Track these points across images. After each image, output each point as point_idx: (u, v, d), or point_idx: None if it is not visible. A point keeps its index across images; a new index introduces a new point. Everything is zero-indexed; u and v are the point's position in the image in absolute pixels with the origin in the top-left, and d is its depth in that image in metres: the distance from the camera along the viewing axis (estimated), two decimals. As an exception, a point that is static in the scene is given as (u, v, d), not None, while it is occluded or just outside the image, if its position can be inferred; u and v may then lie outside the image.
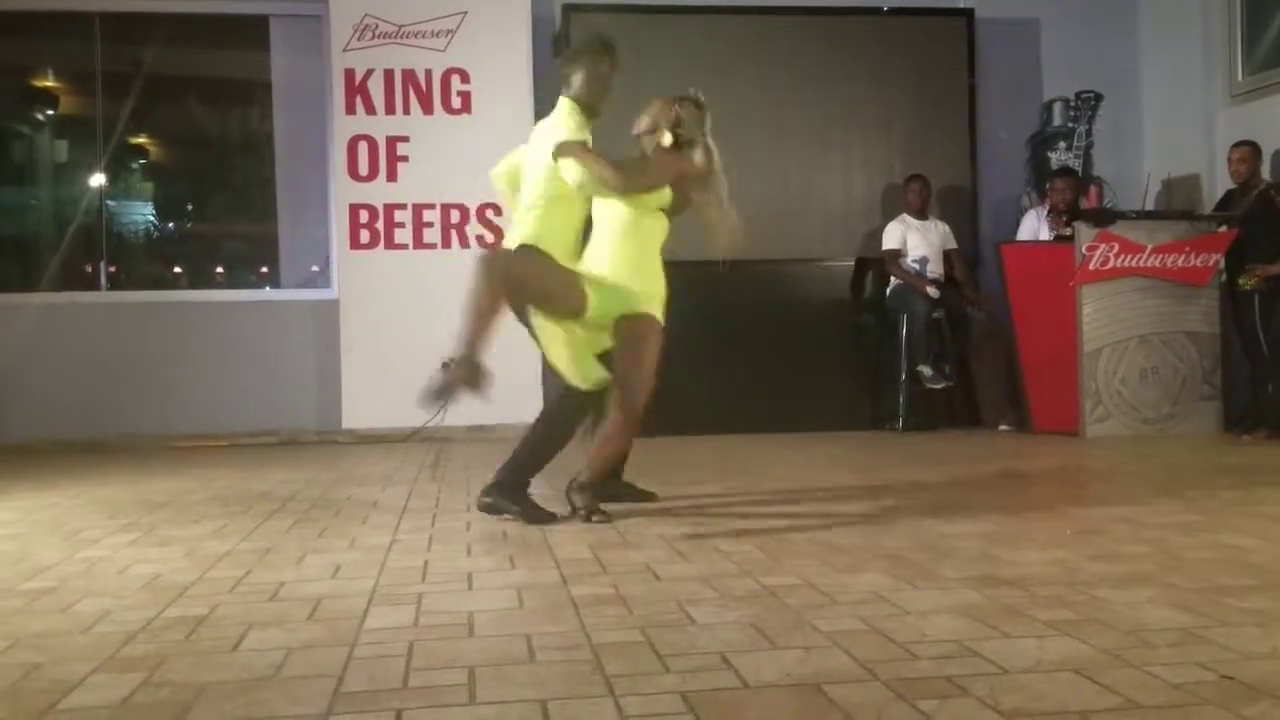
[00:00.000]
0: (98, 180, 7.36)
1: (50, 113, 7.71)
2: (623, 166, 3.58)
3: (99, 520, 3.83)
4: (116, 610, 2.47)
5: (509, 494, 3.66)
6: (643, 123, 3.82)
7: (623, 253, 3.64)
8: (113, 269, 7.34)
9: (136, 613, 2.44)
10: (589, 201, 3.73)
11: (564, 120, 3.67)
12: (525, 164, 3.84)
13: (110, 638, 2.23)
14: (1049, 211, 6.87)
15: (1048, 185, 6.94)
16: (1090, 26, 7.70)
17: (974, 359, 7.06)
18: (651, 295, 3.64)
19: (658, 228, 3.69)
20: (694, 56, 6.91)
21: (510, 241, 3.77)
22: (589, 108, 3.75)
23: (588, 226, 3.79)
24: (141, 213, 8.00)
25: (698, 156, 3.69)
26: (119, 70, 7.41)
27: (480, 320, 3.54)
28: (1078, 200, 6.73)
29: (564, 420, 3.79)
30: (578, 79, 3.76)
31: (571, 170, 3.55)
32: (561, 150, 3.55)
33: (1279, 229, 5.96)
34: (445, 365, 3.51)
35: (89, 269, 7.32)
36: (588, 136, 3.65)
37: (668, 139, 3.73)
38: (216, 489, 4.67)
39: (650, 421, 3.83)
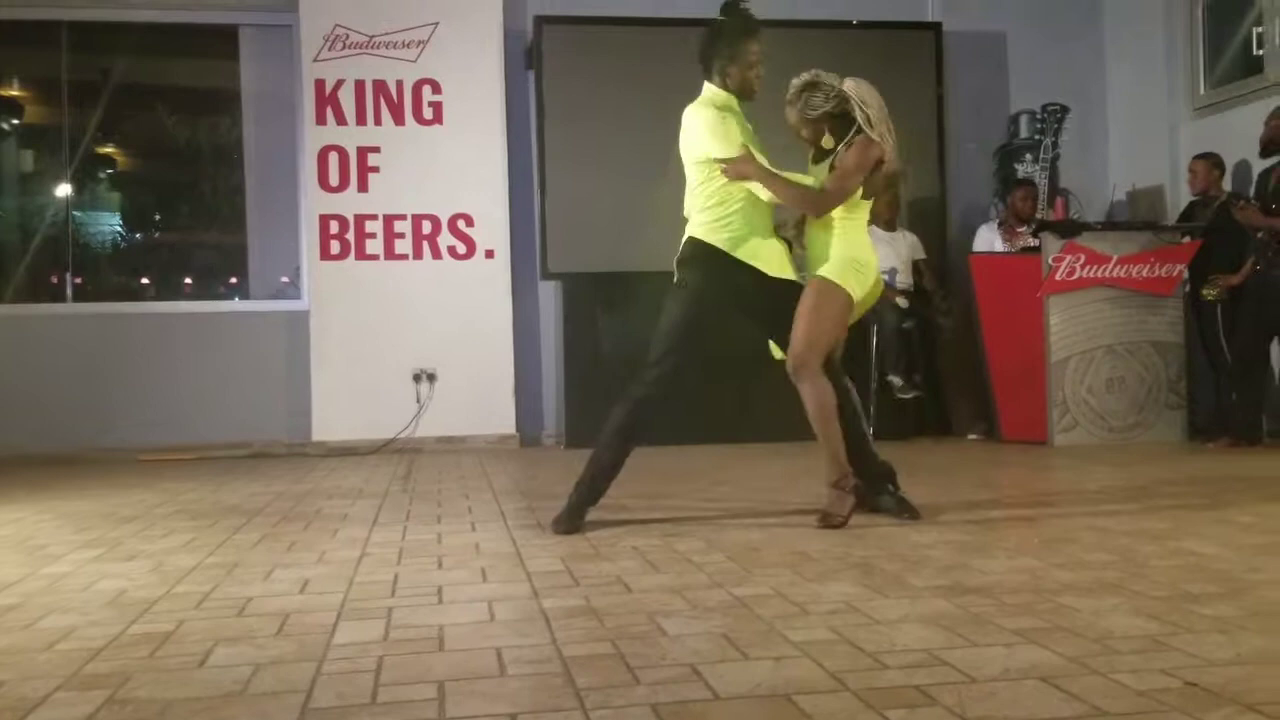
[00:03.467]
0: (64, 190, 7.30)
1: (15, 122, 7.65)
2: (801, 194, 3.59)
3: (64, 535, 3.79)
4: (80, 627, 2.45)
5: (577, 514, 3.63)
6: (790, 118, 3.71)
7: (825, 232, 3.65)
8: (78, 280, 7.27)
9: (101, 629, 2.42)
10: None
11: (715, 127, 3.53)
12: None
13: (74, 655, 2.21)
14: (1000, 223, 6.96)
15: (1009, 196, 7.02)
16: (1056, 40, 7.80)
17: (944, 368, 7.11)
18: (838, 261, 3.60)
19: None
20: (667, 69, 6.91)
21: (714, 240, 3.61)
22: (740, 94, 3.64)
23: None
24: (109, 223, 7.93)
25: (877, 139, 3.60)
26: (87, 79, 7.36)
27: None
28: (1036, 210, 6.80)
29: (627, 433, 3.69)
30: (720, 68, 3.63)
31: (759, 190, 3.53)
32: (738, 172, 3.51)
33: (1240, 240, 6.04)
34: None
35: (54, 280, 7.24)
36: (743, 136, 3.56)
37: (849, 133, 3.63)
38: (184, 502, 4.63)
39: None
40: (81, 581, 2.97)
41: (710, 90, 3.67)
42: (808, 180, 3.68)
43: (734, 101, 3.66)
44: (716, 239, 3.61)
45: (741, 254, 3.60)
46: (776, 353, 3.75)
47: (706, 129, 3.57)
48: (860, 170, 3.58)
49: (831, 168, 3.63)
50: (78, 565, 3.21)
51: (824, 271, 3.60)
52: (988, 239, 7.03)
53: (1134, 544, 3.18)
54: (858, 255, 3.63)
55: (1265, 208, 5.83)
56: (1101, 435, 6.28)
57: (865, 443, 3.77)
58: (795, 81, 3.71)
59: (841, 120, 3.67)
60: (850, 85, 3.66)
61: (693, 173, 3.67)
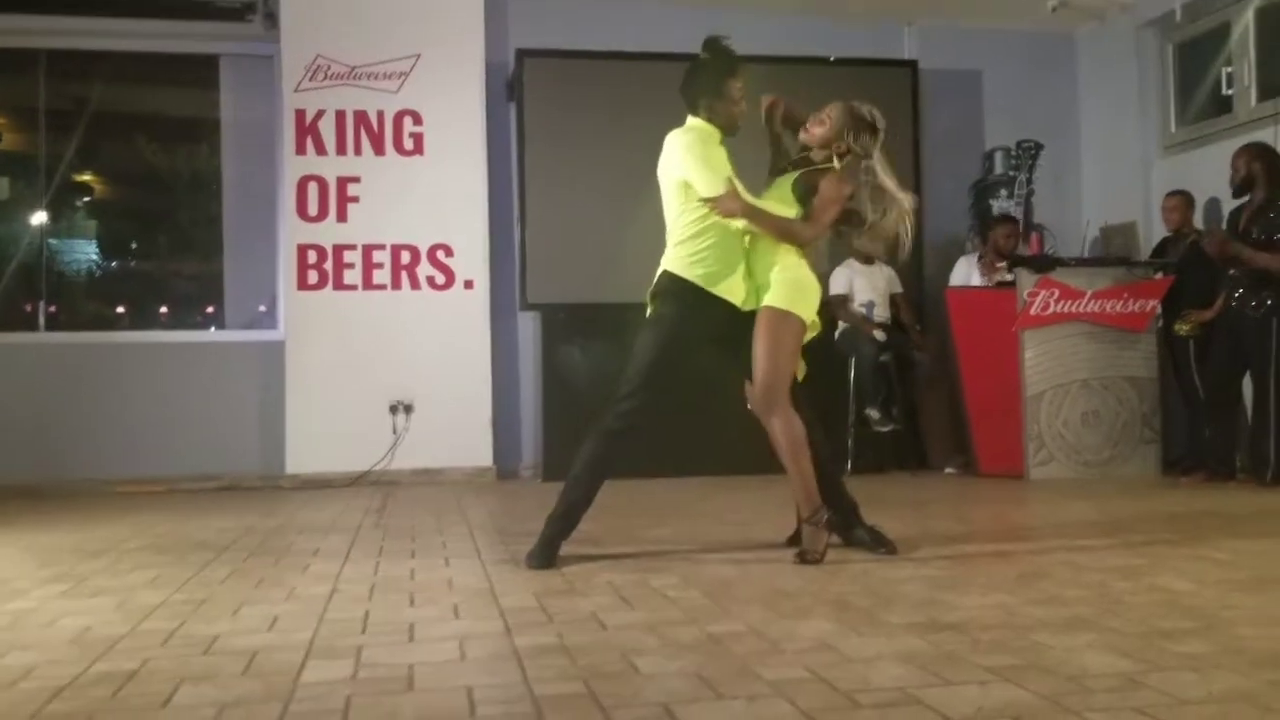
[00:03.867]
0: (39, 218, 7.25)
1: (-9, 149, 7.60)
2: (784, 225, 3.60)
3: (29, 570, 3.73)
4: (41, 665, 2.40)
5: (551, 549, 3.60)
6: (816, 132, 3.73)
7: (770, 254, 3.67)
8: (52, 309, 7.21)
9: (63, 668, 2.37)
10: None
11: (700, 156, 3.56)
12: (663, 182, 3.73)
13: (34, 694, 2.16)
14: (980, 257, 7.01)
15: (990, 231, 7.06)
16: (1030, 79, 7.90)
17: (921, 402, 7.13)
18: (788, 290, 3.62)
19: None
20: (647, 103, 6.95)
21: (689, 275, 3.62)
22: (724, 129, 3.66)
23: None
24: (84, 251, 7.87)
25: (864, 195, 3.68)
26: (64, 107, 7.33)
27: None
28: (1017, 246, 6.86)
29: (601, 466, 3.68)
30: (706, 104, 3.66)
31: (738, 221, 3.55)
32: (723, 207, 3.51)
33: (1212, 276, 6.10)
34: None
35: (28, 308, 7.18)
36: (728, 169, 3.58)
37: (838, 163, 3.69)
38: (154, 536, 4.57)
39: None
40: (44, 618, 2.92)
41: (695, 122, 3.69)
42: (790, 212, 3.69)
43: (718, 135, 3.68)
44: (691, 274, 3.61)
45: (717, 289, 3.61)
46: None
47: (693, 159, 3.58)
48: (836, 204, 3.62)
49: (799, 188, 3.66)
50: (42, 601, 3.16)
51: (772, 301, 3.61)
52: (965, 273, 7.08)
53: (1108, 580, 3.18)
54: (799, 276, 3.65)
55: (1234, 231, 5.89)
56: (1077, 469, 6.31)
57: (835, 476, 3.78)
58: (862, 109, 3.74)
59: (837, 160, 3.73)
60: (880, 164, 3.72)
61: (671, 199, 3.68)
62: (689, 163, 3.58)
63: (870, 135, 3.73)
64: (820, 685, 2.12)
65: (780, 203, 3.69)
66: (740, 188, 3.57)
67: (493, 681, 2.21)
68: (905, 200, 3.70)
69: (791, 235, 3.64)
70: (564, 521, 3.64)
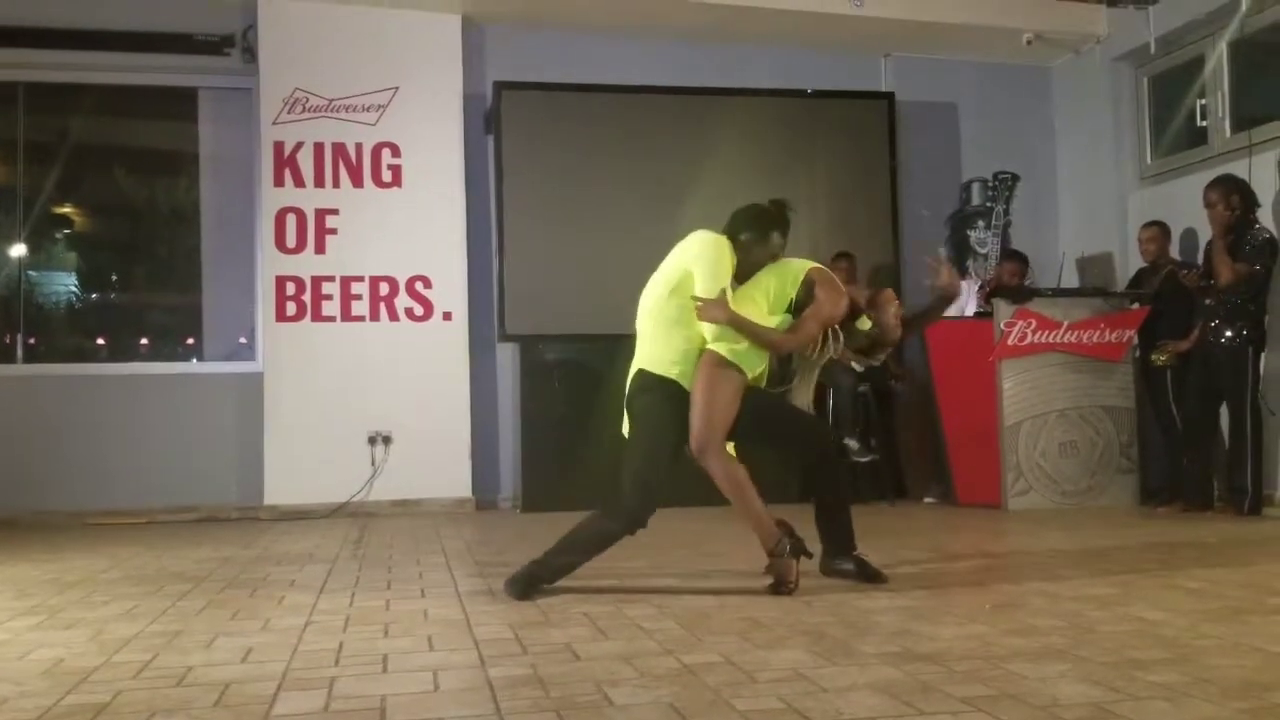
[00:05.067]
0: (18, 250, 7.22)
1: (-32, 183, 7.57)
2: (769, 335, 3.64)
3: (4, 602, 3.70)
4: (13, 698, 2.38)
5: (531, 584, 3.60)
6: (861, 299, 3.85)
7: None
8: (31, 341, 7.17)
9: (34, 700, 2.35)
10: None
11: (714, 260, 3.60)
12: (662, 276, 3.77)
13: (3, 728, 2.15)
14: (981, 286, 7.05)
15: (998, 267, 7.08)
16: (1006, 111, 8.01)
17: (899, 432, 7.15)
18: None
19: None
20: (625, 135, 7.03)
21: (668, 375, 3.66)
22: (741, 267, 3.70)
23: None
24: (63, 283, 7.84)
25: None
26: (43, 140, 7.32)
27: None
28: (1024, 283, 6.88)
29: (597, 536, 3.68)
30: (745, 237, 3.72)
31: (715, 330, 3.59)
32: (709, 316, 3.53)
33: (1188, 307, 6.16)
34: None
35: (7, 340, 7.14)
36: (727, 283, 3.63)
37: (842, 345, 3.80)
38: (130, 568, 4.53)
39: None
40: (17, 650, 2.89)
41: (726, 241, 3.71)
42: (771, 321, 3.70)
43: (734, 263, 3.70)
44: (671, 374, 3.65)
45: (689, 385, 3.64)
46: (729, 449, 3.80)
47: (707, 259, 3.61)
48: (827, 322, 3.68)
49: (802, 291, 3.71)
50: (15, 633, 3.13)
51: (718, 347, 3.62)
52: (961, 300, 7.04)
53: (1083, 609, 3.20)
54: (740, 347, 3.64)
55: (1209, 275, 5.94)
56: (1055, 499, 6.33)
57: (837, 510, 3.83)
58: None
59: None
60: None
61: (665, 284, 3.68)
62: (704, 258, 3.62)
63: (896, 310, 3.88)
64: (794, 716, 2.12)
65: (753, 296, 3.71)
66: (730, 296, 3.62)
67: (466, 713, 2.20)
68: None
69: (774, 345, 3.68)
70: (555, 574, 3.65)
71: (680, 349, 3.65)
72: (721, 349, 3.61)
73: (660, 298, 3.69)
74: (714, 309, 3.54)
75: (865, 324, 3.88)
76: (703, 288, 3.57)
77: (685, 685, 2.38)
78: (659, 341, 3.68)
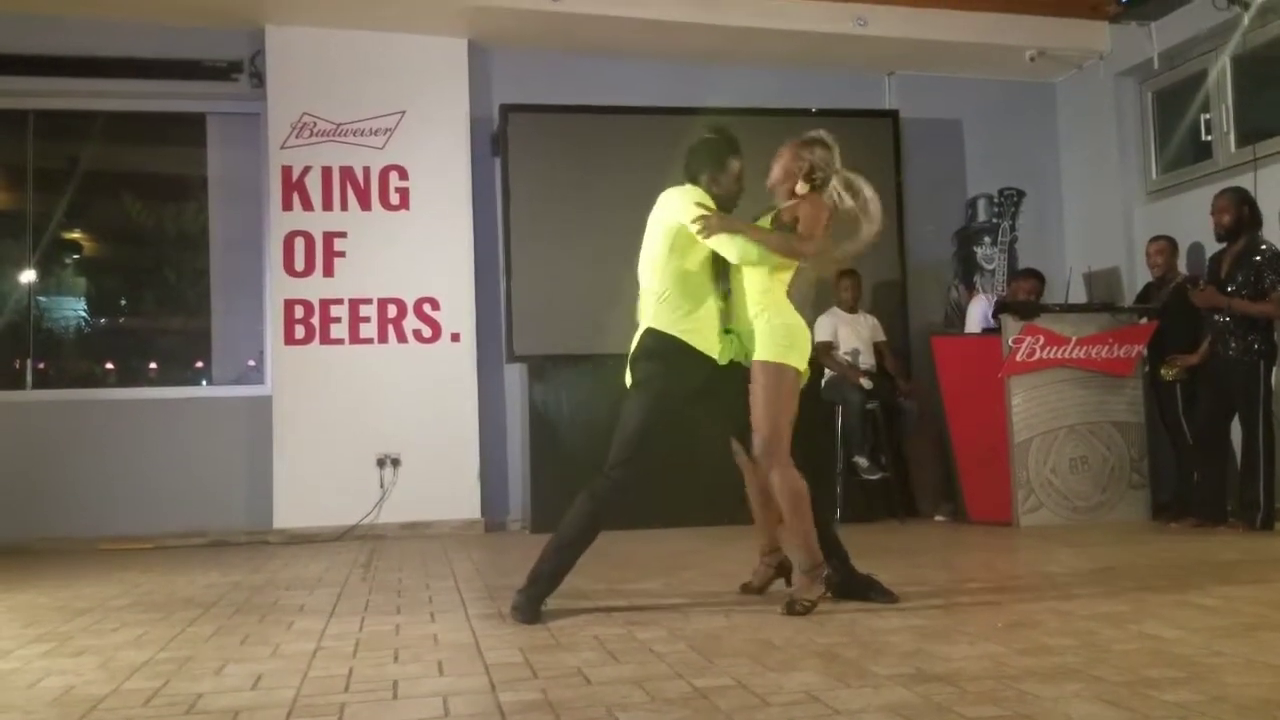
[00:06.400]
0: (28, 276, 7.26)
1: (-21, 208, 7.61)
2: (784, 238, 3.61)
3: (13, 629, 3.69)
4: (22, 728, 2.38)
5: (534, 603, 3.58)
6: (775, 173, 3.80)
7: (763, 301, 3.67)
8: (40, 366, 7.19)
9: (43, 730, 2.35)
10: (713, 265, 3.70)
11: (695, 200, 3.62)
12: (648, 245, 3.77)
13: (13, 758, 2.14)
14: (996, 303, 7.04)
15: (1013, 283, 7.08)
16: (1011, 127, 8.01)
17: (909, 449, 7.14)
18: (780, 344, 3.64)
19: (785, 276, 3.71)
20: (631, 156, 7.04)
21: (674, 330, 3.64)
22: (719, 202, 3.69)
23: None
24: (73, 308, 7.87)
25: (837, 196, 3.70)
26: (53, 166, 7.37)
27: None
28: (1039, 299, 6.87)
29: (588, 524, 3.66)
30: (706, 176, 3.73)
31: (732, 247, 3.56)
32: (711, 228, 3.54)
33: (1196, 321, 6.14)
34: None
35: (16, 366, 7.17)
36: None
37: (803, 187, 3.71)
38: (139, 594, 4.53)
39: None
40: (27, 678, 2.89)
41: (694, 188, 3.73)
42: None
43: (713, 204, 3.70)
44: (677, 330, 3.63)
45: (698, 344, 3.64)
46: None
47: (687, 200, 3.63)
48: (821, 217, 3.65)
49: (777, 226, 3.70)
50: (25, 661, 3.13)
51: (764, 355, 3.62)
52: (982, 312, 7.00)
53: (1096, 627, 3.17)
54: (788, 323, 3.66)
55: (1219, 289, 5.92)
56: (1066, 515, 6.30)
57: (827, 526, 3.78)
58: (806, 135, 3.80)
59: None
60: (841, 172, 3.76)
61: (658, 247, 3.69)
62: (685, 203, 3.63)
63: (824, 149, 3.77)
64: (806, 739, 2.11)
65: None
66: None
67: (476, 739, 2.19)
68: (868, 190, 3.74)
69: (794, 250, 3.63)
70: (551, 582, 3.64)
71: (684, 304, 3.64)
72: (771, 354, 3.59)
73: (661, 257, 3.67)
74: (712, 221, 3.54)
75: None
76: (697, 220, 3.58)
77: (697, 710, 2.37)
78: (665, 302, 3.66)
